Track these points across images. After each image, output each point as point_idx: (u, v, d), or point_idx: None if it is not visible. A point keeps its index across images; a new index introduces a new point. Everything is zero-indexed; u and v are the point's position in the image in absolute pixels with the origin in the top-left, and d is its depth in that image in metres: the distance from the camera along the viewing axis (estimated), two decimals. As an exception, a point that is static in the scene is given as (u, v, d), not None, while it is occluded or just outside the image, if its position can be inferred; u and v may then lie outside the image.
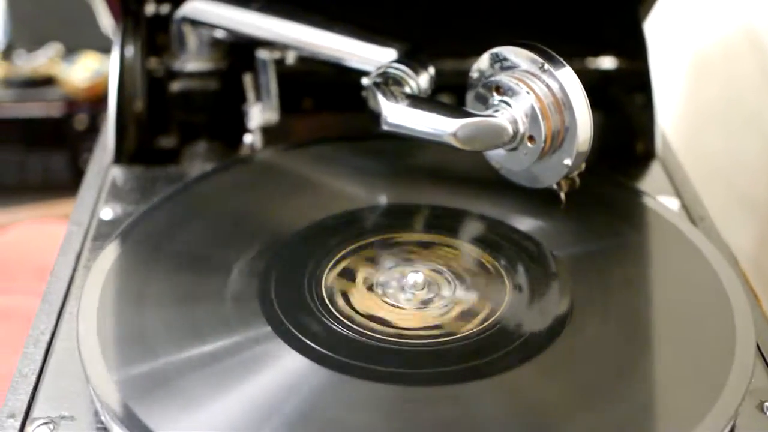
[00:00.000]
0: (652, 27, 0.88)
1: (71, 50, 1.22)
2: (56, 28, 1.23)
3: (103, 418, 0.48)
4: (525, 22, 0.85)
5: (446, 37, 0.83)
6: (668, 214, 0.64)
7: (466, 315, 0.55)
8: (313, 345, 0.51)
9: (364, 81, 0.66)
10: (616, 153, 0.81)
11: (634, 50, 0.80)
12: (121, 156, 0.74)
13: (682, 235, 0.62)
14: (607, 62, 0.86)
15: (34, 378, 0.52)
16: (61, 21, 1.23)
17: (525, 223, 0.63)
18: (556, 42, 0.83)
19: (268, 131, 0.79)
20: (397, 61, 0.65)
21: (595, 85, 0.85)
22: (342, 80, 0.73)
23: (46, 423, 0.49)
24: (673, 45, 1.12)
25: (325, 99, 0.86)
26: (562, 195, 0.62)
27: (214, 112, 0.80)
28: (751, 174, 0.98)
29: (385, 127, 0.62)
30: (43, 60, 1.18)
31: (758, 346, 0.55)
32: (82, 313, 0.53)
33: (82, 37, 1.20)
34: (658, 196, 0.68)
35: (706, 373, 0.50)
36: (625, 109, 0.83)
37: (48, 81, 1.18)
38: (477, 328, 0.54)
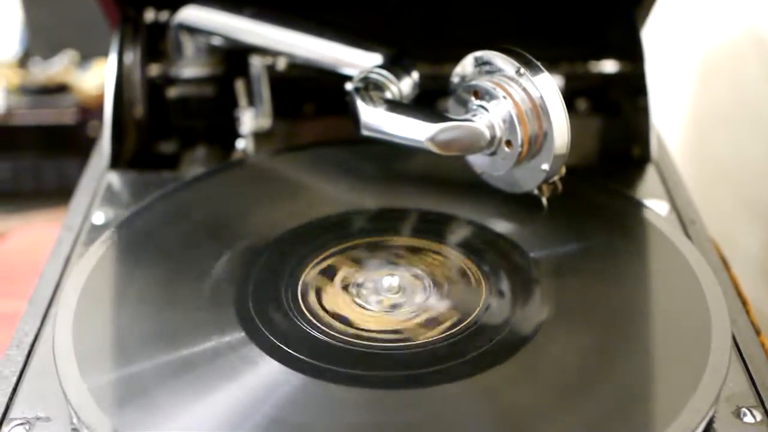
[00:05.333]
0: (659, 31, 0.88)
1: (87, 58, 1.23)
2: (72, 36, 1.25)
3: (75, 421, 0.49)
4: (528, 27, 0.85)
5: (448, 42, 0.83)
6: (653, 217, 0.64)
7: (444, 317, 0.55)
8: (287, 351, 0.52)
9: (347, 86, 0.66)
10: (615, 156, 0.81)
11: (633, 54, 0.80)
12: (117, 161, 0.75)
13: (665, 239, 0.61)
14: (608, 66, 0.85)
15: (14, 379, 0.53)
16: (78, 29, 1.24)
17: (508, 228, 0.63)
18: (558, 46, 0.84)
19: (268, 137, 0.79)
20: (380, 66, 0.65)
21: (596, 88, 0.86)
22: (342, 85, 0.74)
23: (22, 423, 0.50)
24: (680, 48, 1.11)
25: (327, 103, 0.87)
26: (544, 200, 0.62)
27: (212, 117, 0.81)
28: (758, 177, 0.98)
29: (364, 132, 0.62)
30: (58, 68, 1.20)
31: (740, 351, 0.55)
32: (60, 317, 0.54)
33: (98, 45, 1.22)
34: (647, 200, 0.67)
35: (680, 377, 0.50)
36: (624, 112, 0.83)
37: (62, 88, 1.20)
38: (453, 331, 0.54)
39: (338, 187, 0.68)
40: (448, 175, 0.68)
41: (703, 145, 1.08)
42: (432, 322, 0.55)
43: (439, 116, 0.61)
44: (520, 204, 0.64)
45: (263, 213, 0.65)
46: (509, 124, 0.60)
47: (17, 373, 0.53)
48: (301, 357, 0.51)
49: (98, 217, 0.68)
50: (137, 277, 0.58)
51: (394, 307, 0.56)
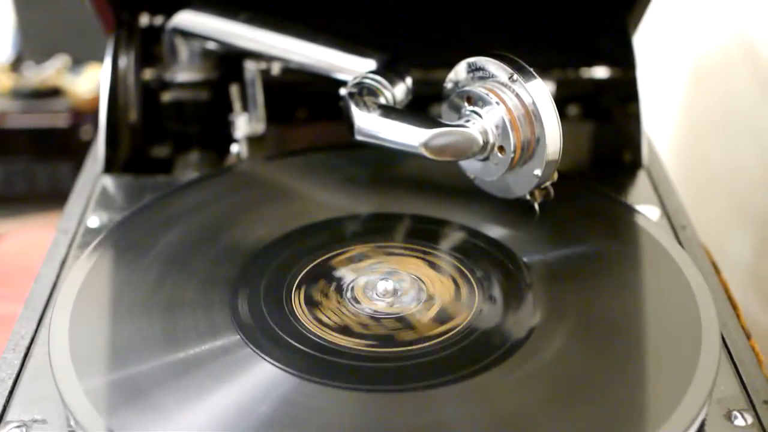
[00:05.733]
0: (650, 37, 0.88)
1: (79, 62, 1.23)
2: (65, 40, 1.25)
3: (71, 423, 0.49)
4: (520, 33, 0.86)
5: (441, 47, 0.84)
6: (645, 222, 0.64)
7: (436, 321, 0.55)
8: (282, 353, 0.52)
9: (341, 91, 0.67)
10: (606, 162, 0.81)
11: (624, 60, 0.81)
12: (111, 165, 0.75)
13: (657, 244, 0.62)
14: (600, 72, 0.86)
15: (10, 382, 0.53)
16: (70, 33, 1.24)
17: (500, 233, 0.63)
18: (551, 52, 0.84)
19: (262, 141, 0.80)
20: (374, 71, 0.66)
21: (588, 94, 0.86)
22: (336, 90, 0.74)
23: (18, 426, 0.50)
24: (673, 54, 1.12)
25: (321, 109, 0.87)
26: (536, 205, 0.63)
27: (206, 122, 0.82)
28: (750, 182, 0.98)
29: (357, 137, 0.62)
30: (51, 71, 1.20)
31: (731, 354, 0.56)
32: (55, 319, 0.54)
33: (90, 49, 1.22)
34: (639, 205, 0.68)
35: (671, 380, 0.50)
36: (616, 118, 0.84)
37: (55, 92, 1.20)
38: (446, 336, 0.54)
39: (331, 192, 0.68)
40: (441, 180, 0.68)
41: (695, 150, 1.09)
42: (425, 327, 0.55)
43: (433, 122, 0.61)
44: (513, 209, 0.64)
45: (257, 217, 0.65)
46: (502, 129, 0.60)
47: (13, 376, 0.54)
48: (297, 359, 0.52)
49: (93, 221, 0.68)
50: (132, 280, 0.58)
51: (388, 311, 0.56)
